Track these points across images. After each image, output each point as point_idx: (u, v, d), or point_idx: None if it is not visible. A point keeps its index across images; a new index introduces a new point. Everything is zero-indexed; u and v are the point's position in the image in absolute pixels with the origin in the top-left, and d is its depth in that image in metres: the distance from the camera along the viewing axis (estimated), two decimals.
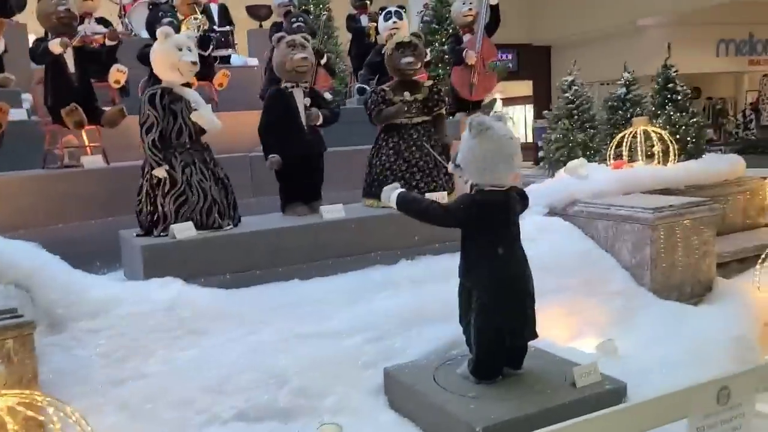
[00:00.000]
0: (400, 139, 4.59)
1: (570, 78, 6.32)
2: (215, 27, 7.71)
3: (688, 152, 5.74)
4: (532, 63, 18.21)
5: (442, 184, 4.63)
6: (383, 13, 6.15)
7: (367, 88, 6.10)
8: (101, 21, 6.38)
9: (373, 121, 4.69)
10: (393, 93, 4.62)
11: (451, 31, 6.94)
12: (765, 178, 5.80)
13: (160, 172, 3.82)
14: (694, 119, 5.76)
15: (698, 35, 15.32)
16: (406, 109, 4.58)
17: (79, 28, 5.75)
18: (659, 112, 5.82)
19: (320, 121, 4.34)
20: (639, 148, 5.63)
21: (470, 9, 6.26)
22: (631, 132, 5.58)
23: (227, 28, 7.71)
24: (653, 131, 5.51)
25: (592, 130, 6.16)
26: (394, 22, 6.00)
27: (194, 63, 3.91)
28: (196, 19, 6.34)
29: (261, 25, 8.66)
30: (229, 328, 3.34)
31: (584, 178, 5.03)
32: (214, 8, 8.14)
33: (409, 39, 4.63)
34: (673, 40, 7.32)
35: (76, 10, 4.93)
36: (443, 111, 4.76)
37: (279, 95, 4.40)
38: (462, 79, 6.20)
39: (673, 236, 4.45)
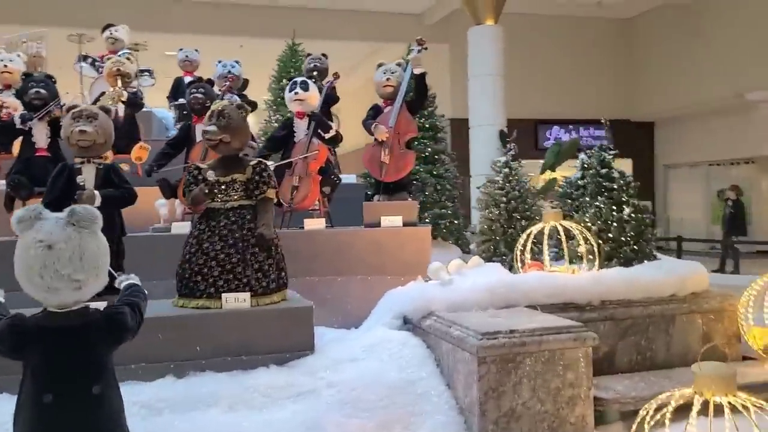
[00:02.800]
0: (207, 227, 3.89)
1: (503, 159, 5.27)
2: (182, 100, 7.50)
3: (626, 256, 4.45)
4: (633, 140, 16.62)
5: (248, 283, 3.82)
6: (290, 83, 5.50)
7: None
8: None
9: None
10: (208, 171, 3.96)
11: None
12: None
13: None
14: (635, 215, 4.48)
15: None
16: (207, 191, 3.88)
17: None
18: (593, 203, 4.61)
19: (96, 202, 3.72)
20: (565, 249, 4.45)
21: (388, 79, 5.44)
22: (538, 228, 4.44)
23: None
24: (568, 227, 4.34)
25: (524, 222, 5.02)
26: (296, 93, 5.31)
27: None
28: (113, 89, 6.09)
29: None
30: None
31: (447, 283, 3.97)
32: (188, 80, 7.99)
33: (220, 106, 3.96)
34: None
35: None
36: (269, 195, 3.98)
37: (62, 172, 3.88)
38: (373, 158, 5.34)
39: (515, 373, 3.29)
